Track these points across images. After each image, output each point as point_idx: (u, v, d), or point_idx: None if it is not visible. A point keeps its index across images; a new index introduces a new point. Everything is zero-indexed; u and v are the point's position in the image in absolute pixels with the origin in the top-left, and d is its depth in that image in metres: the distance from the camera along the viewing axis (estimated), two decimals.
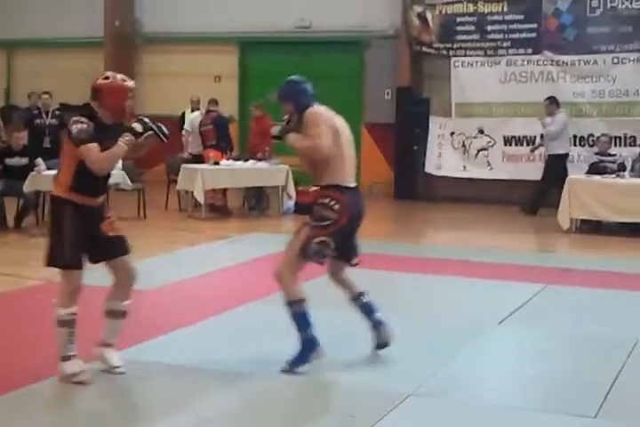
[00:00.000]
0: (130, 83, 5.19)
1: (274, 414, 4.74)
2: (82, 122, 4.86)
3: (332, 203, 5.64)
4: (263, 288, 7.52)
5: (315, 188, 12.73)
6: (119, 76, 5.14)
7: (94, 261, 5.30)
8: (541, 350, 6.20)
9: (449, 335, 6.27)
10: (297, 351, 5.45)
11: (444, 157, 15.04)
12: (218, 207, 12.86)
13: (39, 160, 10.87)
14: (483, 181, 14.70)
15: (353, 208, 5.70)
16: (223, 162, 12.68)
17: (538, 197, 13.37)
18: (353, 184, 5.89)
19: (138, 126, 5.05)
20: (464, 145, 14.93)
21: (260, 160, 13.13)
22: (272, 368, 5.35)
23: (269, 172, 12.97)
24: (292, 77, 6.24)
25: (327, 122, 5.77)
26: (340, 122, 5.91)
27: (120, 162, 11.89)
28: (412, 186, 15.22)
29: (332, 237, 5.58)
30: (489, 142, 14.74)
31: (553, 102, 13.48)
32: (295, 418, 4.67)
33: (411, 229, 12.72)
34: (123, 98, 5.08)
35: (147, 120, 5.16)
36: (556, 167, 13.15)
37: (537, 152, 13.85)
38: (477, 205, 14.16)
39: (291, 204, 13.01)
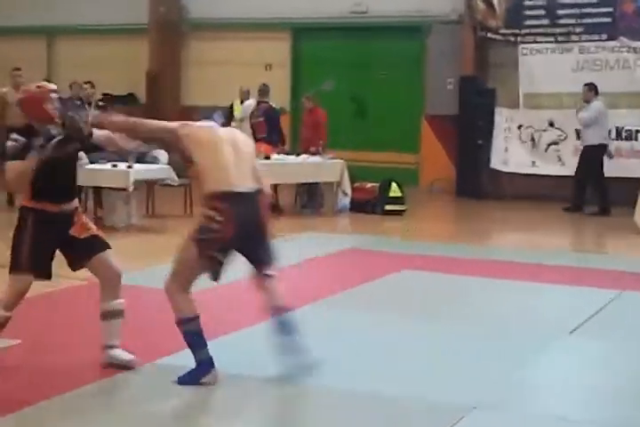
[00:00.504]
0: (45, 87, 5.57)
1: None
2: (12, 139, 5.16)
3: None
4: (321, 290, 7.59)
5: (371, 184, 12.88)
6: (32, 86, 5.56)
7: (75, 267, 5.60)
8: (614, 362, 6.06)
9: (517, 345, 6.19)
10: (189, 371, 5.32)
11: (510, 152, 14.93)
12: (270, 205, 12.89)
13: (81, 154, 11.00)
14: (553, 178, 14.58)
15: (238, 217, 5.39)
16: (274, 156, 12.69)
17: (578, 193, 13.39)
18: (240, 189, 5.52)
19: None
20: (533, 139, 14.81)
21: (314, 154, 13.12)
22: (340, 380, 5.32)
23: (323, 167, 12.93)
24: None
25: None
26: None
27: (165, 156, 12.10)
28: (476, 183, 15.07)
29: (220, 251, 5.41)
30: (560, 136, 14.60)
31: (592, 89, 13.47)
32: None
33: (475, 230, 12.58)
34: (38, 105, 5.34)
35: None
36: (591, 159, 13.22)
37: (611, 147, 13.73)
38: (547, 203, 14.04)
39: (346, 201, 12.99)
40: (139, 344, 5.63)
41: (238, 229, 5.29)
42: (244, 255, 5.59)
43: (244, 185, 5.49)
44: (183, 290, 5.47)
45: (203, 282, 5.41)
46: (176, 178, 11.77)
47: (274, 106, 13.72)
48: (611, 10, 14.46)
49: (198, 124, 5.80)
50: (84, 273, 7.20)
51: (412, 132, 16.14)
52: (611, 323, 6.96)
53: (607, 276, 8.64)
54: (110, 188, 11.00)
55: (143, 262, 8.74)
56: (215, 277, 5.48)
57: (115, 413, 4.84)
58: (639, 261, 9.92)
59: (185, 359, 5.41)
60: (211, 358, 5.36)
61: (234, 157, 5.58)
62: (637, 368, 5.92)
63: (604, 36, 14.46)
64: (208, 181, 5.42)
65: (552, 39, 14.78)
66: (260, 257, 5.68)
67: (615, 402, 5.23)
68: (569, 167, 14.37)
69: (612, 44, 14.38)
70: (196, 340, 5.41)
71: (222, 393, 5.20)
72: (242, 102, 14.70)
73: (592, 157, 13.15)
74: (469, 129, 15.08)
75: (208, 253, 5.30)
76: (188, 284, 5.48)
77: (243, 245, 5.49)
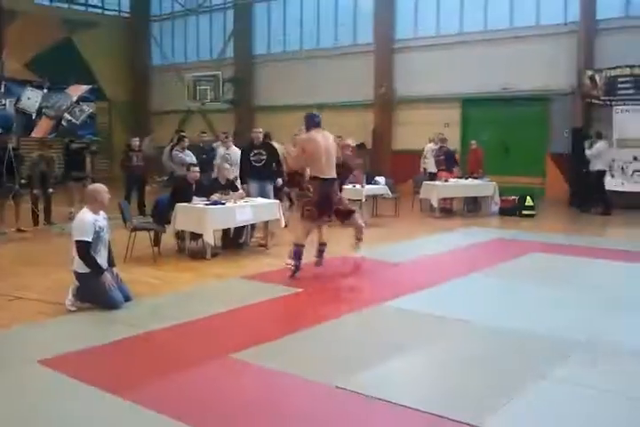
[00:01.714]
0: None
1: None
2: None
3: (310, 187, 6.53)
4: (481, 264, 7.51)
5: (513, 197, 12.52)
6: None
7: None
8: None
9: (607, 301, 5.83)
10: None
11: (607, 177, 14.12)
12: (447, 209, 12.83)
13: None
14: (636, 194, 13.67)
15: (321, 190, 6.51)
16: (451, 180, 12.63)
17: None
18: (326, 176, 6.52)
19: None
20: (623, 168, 13.94)
21: (476, 178, 12.95)
22: (492, 319, 5.21)
23: (482, 186, 12.70)
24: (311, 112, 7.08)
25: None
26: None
27: (383, 179, 12.28)
28: (583, 197, 14.29)
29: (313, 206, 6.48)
30: None
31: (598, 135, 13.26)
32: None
33: (582, 227, 11.99)
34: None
35: None
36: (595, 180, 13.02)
37: None
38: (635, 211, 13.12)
39: (496, 208, 12.72)
40: None
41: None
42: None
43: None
44: (303, 227, 6.62)
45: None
46: (390, 193, 11.95)
47: (450, 148, 13.62)
48: None
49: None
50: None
51: (540, 164, 15.56)
52: None
53: None
54: (351, 199, 11.23)
55: (372, 244, 8.83)
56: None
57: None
58: None
59: (399, 304, 5.47)
60: (298, 266, 6.54)
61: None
62: None
63: None
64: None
65: (636, 102, 13.85)
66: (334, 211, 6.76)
67: None
68: None
69: None
70: (296, 254, 6.51)
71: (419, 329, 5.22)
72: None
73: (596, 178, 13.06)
74: (579, 162, 14.33)
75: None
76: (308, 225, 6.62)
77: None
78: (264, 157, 9.36)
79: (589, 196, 13.32)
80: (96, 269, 5.36)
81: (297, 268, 6.59)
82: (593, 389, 3.78)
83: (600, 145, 13.13)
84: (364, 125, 17.72)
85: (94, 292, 5.36)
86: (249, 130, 15.75)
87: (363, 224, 7.13)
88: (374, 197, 12.16)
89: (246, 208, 7.98)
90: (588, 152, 13.20)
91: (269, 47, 20.52)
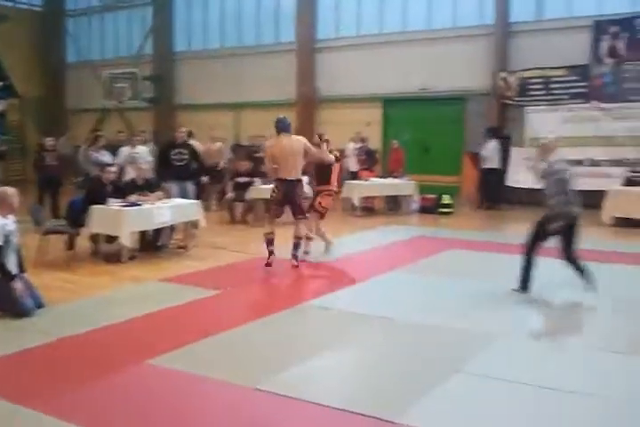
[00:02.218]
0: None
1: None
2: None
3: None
4: (401, 261, 7.65)
5: (432, 195, 12.82)
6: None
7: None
8: (594, 306, 5.85)
9: (523, 294, 6.14)
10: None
11: (521, 175, 14.61)
12: (368, 208, 13.01)
13: (257, 179, 11.31)
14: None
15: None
16: (372, 179, 12.80)
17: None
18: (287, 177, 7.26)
19: None
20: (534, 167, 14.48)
21: (396, 177, 13.18)
22: (413, 315, 5.31)
23: (402, 185, 12.94)
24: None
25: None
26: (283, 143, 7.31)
27: (307, 179, 12.30)
28: (498, 194, 14.83)
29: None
30: None
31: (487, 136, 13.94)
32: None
33: (497, 223, 12.45)
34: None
35: None
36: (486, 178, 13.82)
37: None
38: (542, 207, 13.61)
39: (416, 206, 13.00)
40: None
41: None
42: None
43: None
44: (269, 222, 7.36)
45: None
46: (309, 193, 11.96)
47: (370, 147, 13.81)
48: (586, 84, 14.04)
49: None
50: (259, 250, 7.46)
51: (457, 163, 15.97)
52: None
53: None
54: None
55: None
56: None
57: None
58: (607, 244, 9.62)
59: (321, 303, 5.52)
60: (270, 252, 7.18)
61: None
62: None
63: (581, 101, 14.06)
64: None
65: (547, 103, 14.45)
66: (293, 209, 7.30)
67: None
68: None
69: (586, 105, 13.97)
70: (267, 242, 7.20)
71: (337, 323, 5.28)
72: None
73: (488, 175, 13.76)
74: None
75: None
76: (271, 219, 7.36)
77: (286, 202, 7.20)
78: (185, 157, 9.27)
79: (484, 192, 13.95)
80: (5, 274, 5.16)
81: (270, 253, 7.20)
82: (507, 380, 3.92)
83: (491, 144, 13.67)
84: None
85: (4, 299, 5.15)
86: (170, 129, 15.54)
87: (305, 233, 7.64)
88: None
89: (164, 209, 7.84)
90: (482, 151, 13.74)
91: (190, 44, 20.23)
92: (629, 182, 11.47)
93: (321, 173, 8.06)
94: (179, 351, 4.42)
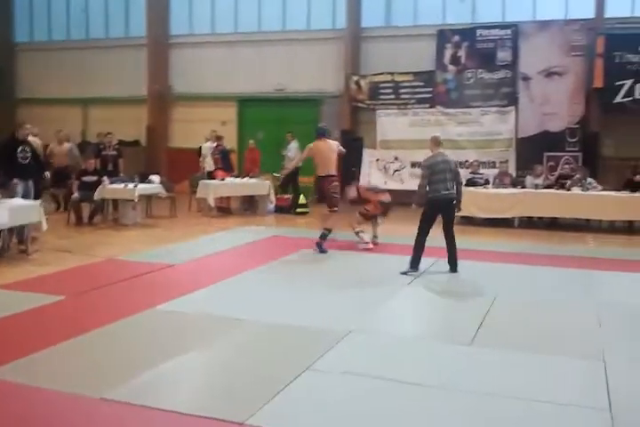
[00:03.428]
0: None
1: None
2: None
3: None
4: (254, 262, 7.66)
5: (288, 195, 13.00)
6: None
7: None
8: (440, 303, 6.24)
9: (374, 291, 6.32)
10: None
11: (372, 176, 15.19)
12: (224, 209, 12.91)
13: (105, 178, 10.88)
14: (397, 191, 14.80)
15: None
16: (227, 179, 12.72)
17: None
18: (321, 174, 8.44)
19: None
20: (385, 167, 15.10)
21: (252, 178, 13.18)
22: (265, 316, 5.30)
23: (257, 185, 12.97)
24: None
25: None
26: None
27: (158, 178, 12.01)
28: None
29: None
30: (401, 166, 14.92)
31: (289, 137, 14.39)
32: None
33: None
34: None
35: None
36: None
37: None
38: (394, 206, 14.21)
39: (271, 206, 13.08)
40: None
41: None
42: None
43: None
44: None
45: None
46: (165, 192, 11.71)
47: (226, 147, 13.72)
48: (431, 89, 14.82)
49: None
50: (107, 253, 7.16)
51: (311, 163, 16.18)
52: (432, 279, 6.98)
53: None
54: (124, 199, 10.89)
55: (144, 246, 8.69)
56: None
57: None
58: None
59: (171, 307, 5.42)
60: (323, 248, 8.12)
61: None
62: (446, 304, 6.11)
63: (427, 106, 14.82)
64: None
65: (396, 107, 15.08)
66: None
67: (437, 324, 5.40)
68: (406, 184, 14.68)
69: (432, 110, 14.75)
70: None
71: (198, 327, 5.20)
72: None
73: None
74: (348, 162, 15.21)
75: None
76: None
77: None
78: (29, 154, 8.80)
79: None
80: None
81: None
82: (358, 375, 4.03)
83: (292, 145, 14.12)
84: (137, 122, 17.20)
85: None
86: (9, 124, 14.53)
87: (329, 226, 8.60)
88: (148, 197, 11.84)
89: (2, 211, 7.32)
90: (286, 152, 14.12)
91: (33, 35, 19.05)
92: (470, 183, 12.20)
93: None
94: (19, 362, 4.14)
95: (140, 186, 11.05)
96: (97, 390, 3.71)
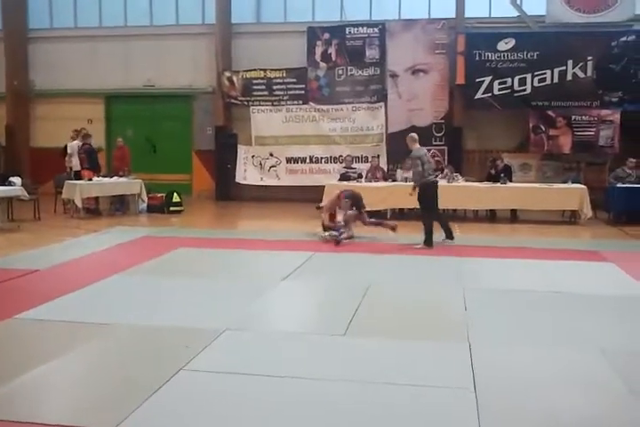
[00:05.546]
0: None
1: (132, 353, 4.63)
2: None
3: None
4: (125, 264, 7.37)
5: (161, 194, 12.67)
6: None
7: None
8: (315, 296, 6.27)
9: (253, 287, 6.27)
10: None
11: (248, 172, 15.13)
12: (92, 210, 12.35)
13: None
14: (274, 187, 14.91)
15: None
16: (95, 178, 12.18)
17: None
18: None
19: None
20: (260, 164, 15.07)
21: (121, 176, 12.73)
22: (134, 319, 5.13)
23: (128, 184, 12.55)
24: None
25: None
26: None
27: (19, 180, 11.30)
28: (228, 191, 15.20)
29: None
30: (277, 162, 14.95)
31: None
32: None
33: (227, 220, 12.72)
34: None
35: None
36: None
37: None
38: (271, 202, 14.34)
39: (144, 205, 12.71)
40: None
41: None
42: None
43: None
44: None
45: None
46: (27, 194, 11.03)
47: (93, 146, 13.13)
48: (304, 86, 14.93)
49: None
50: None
51: (186, 160, 15.98)
52: (307, 274, 7.05)
53: (306, 244, 8.86)
54: None
55: (4, 251, 8.19)
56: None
57: None
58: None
59: (34, 315, 5.10)
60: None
61: None
62: (324, 296, 6.18)
63: (301, 102, 14.93)
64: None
65: (270, 104, 15.07)
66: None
67: (308, 318, 5.45)
68: (283, 180, 14.84)
69: (305, 106, 14.87)
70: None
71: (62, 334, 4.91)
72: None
73: None
74: (222, 158, 15.14)
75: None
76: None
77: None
78: None
79: None
80: None
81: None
82: (235, 373, 3.94)
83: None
84: None
85: None
86: None
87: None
88: (9, 200, 11.11)
89: None
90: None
91: None
92: (344, 178, 12.41)
93: None
94: None
95: (0, 188, 10.35)
96: None
